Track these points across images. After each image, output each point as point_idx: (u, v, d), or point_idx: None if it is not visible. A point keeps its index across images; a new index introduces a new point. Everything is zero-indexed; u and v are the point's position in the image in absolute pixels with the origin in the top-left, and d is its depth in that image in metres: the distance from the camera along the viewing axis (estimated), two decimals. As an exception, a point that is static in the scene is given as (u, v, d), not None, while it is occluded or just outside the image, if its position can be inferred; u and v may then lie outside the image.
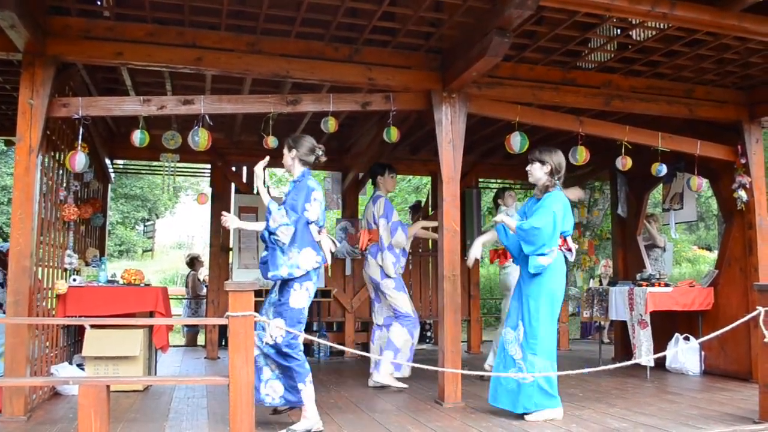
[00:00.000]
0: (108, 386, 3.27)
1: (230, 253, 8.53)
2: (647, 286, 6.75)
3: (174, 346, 9.22)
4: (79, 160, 5.06)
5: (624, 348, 7.58)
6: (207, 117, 5.20)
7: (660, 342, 6.77)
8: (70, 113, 4.89)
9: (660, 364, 6.95)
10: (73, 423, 4.14)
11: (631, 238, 8.14)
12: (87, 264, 6.49)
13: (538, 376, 4.53)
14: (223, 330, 8.71)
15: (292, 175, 4.53)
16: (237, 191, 8.60)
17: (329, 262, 4.46)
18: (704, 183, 6.59)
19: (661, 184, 8.01)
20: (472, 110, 5.55)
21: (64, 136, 5.75)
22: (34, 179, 4.67)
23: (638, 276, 7.18)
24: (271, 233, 4.21)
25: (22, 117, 4.67)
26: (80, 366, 5.85)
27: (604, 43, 5.57)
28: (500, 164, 9.28)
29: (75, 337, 6.38)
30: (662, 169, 6.31)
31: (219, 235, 8.37)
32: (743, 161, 6.41)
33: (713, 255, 17.45)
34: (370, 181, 6.53)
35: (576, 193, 6.18)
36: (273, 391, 4.32)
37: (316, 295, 7.86)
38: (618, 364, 4.87)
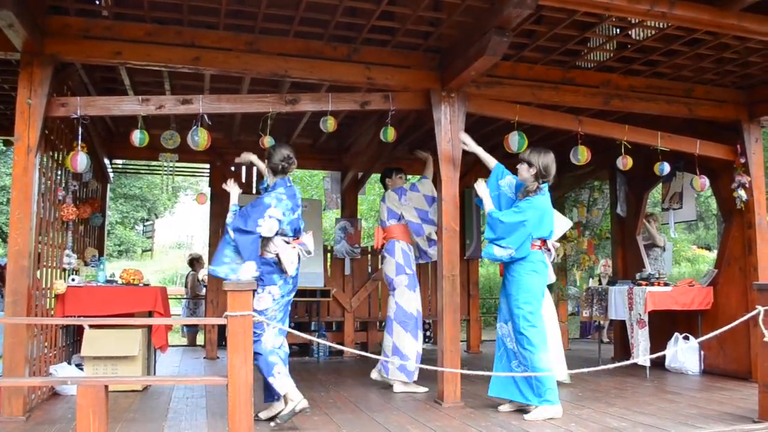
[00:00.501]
0: (106, 386, 3.26)
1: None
2: (647, 285, 6.75)
3: (173, 345, 9.21)
4: (80, 160, 5.05)
5: (623, 347, 7.57)
6: (206, 116, 5.20)
7: (659, 341, 6.77)
8: (69, 113, 4.88)
9: (659, 363, 6.96)
10: (72, 423, 4.13)
11: (631, 238, 8.14)
12: (86, 264, 6.49)
13: (530, 373, 4.66)
14: (222, 330, 8.69)
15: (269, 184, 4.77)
16: (236, 191, 8.59)
17: (290, 272, 4.54)
18: (706, 183, 6.58)
19: (661, 184, 8.01)
20: (471, 109, 5.54)
21: (63, 136, 5.74)
22: (32, 179, 4.67)
23: (638, 275, 7.18)
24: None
25: (21, 117, 4.66)
26: (79, 366, 5.84)
27: (604, 43, 5.56)
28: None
29: (74, 337, 6.37)
30: (665, 168, 6.29)
31: (218, 235, 8.35)
32: (743, 160, 6.41)
33: (713, 254, 17.45)
34: (383, 188, 6.56)
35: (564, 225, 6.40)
36: None
37: (314, 295, 7.98)
38: (617, 364, 4.88)
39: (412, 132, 7.34)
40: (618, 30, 5.35)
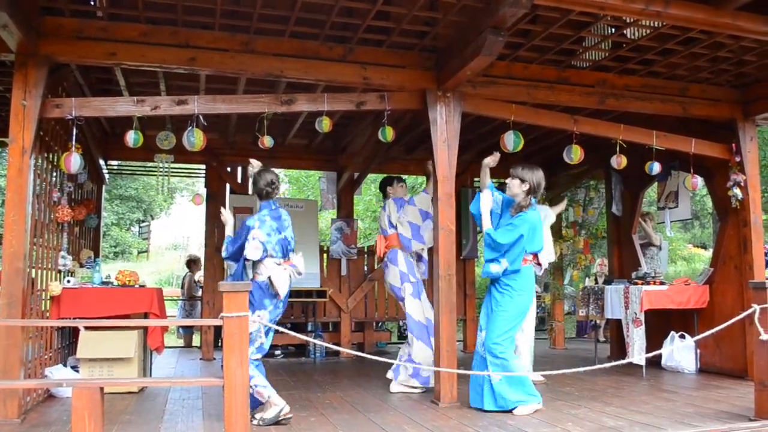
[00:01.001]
0: (102, 388, 3.25)
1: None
2: (643, 284, 6.76)
3: (169, 347, 9.19)
4: (74, 161, 5.03)
5: (620, 346, 7.58)
6: (201, 117, 5.18)
7: (656, 340, 6.78)
8: (63, 114, 4.87)
9: (656, 362, 6.97)
10: (68, 425, 4.12)
11: (627, 237, 8.15)
12: (81, 265, 6.47)
13: (504, 375, 4.77)
14: (218, 331, 8.68)
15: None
16: (232, 192, 8.59)
17: (282, 294, 4.60)
18: (699, 181, 6.59)
19: (656, 183, 8.02)
20: (467, 109, 5.54)
21: (58, 137, 5.73)
22: (27, 181, 4.65)
23: (634, 274, 7.19)
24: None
25: (15, 118, 4.65)
26: (75, 368, 5.82)
27: (599, 42, 5.57)
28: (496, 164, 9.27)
29: (69, 338, 6.35)
30: (654, 167, 6.29)
31: (214, 236, 8.35)
32: (738, 159, 6.42)
33: (708, 253, 17.49)
34: (382, 195, 6.56)
35: (560, 208, 6.81)
36: None
37: (311, 295, 7.97)
38: (614, 363, 4.90)
39: (408, 132, 7.33)
40: (613, 29, 5.36)
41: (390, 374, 5.92)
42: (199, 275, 10.26)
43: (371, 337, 9.01)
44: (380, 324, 9.74)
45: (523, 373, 4.98)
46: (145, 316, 5.76)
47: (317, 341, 5.08)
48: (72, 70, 5.54)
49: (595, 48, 5.68)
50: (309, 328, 8.71)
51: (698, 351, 6.84)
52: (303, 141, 8.64)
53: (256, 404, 4.52)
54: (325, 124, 5.57)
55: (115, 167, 9.60)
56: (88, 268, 6.38)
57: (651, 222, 8.30)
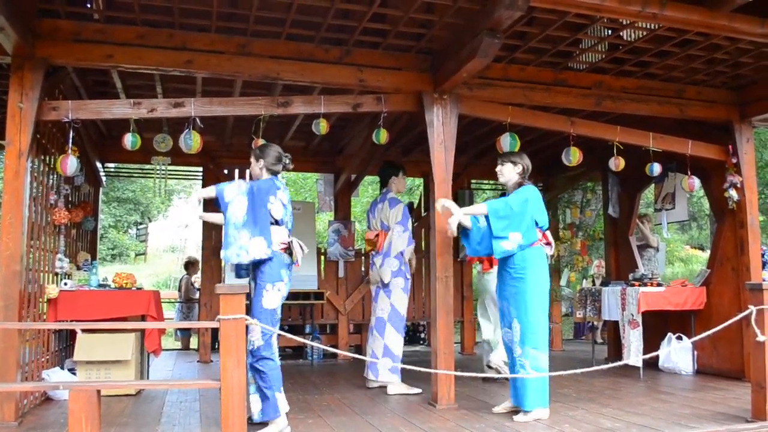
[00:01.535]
0: (98, 391, 3.25)
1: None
2: (640, 286, 6.76)
3: (166, 349, 9.19)
4: (70, 163, 5.03)
5: (617, 348, 7.59)
6: (198, 120, 5.18)
7: (653, 342, 6.79)
8: (60, 116, 4.86)
9: (653, 363, 6.97)
10: (65, 428, 4.10)
11: (624, 238, 8.16)
12: (78, 268, 6.46)
13: (536, 373, 4.59)
14: (216, 333, 8.67)
15: None
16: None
17: (299, 262, 4.43)
18: (696, 183, 6.60)
19: (653, 184, 8.03)
20: (464, 111, 5.55)
21: (55, 140, 5.72)
22: (23, 183, 4.65)
23: (631, 276, 7.20)
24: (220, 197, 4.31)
25: (12, 120, 4.64)
26: (72, 371, 5.81)
27: (595, 44, 5.58)
28: (492, 165, 9.23)
29: (66, 341, 6.34)
30: (655, 169, 6.32)
31: (211, 239, 8.34)
32: (734, 161, 6.43)
33: (705, 254, 17.51)
34: (379, 181, 6.49)
35: None
36: (252, 405, 4.30)
37: (308, 297, 7.97)
38: (611, 364, 4.89)
39: (405, 134, 7.34)
40: (609, 31, 5.36)
41: (370, 374, 5.96)
42: (196, 277, 10.26)
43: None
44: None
45: (545, 374, 4.70)
46: (143, 318, 5.76)
47: (314, 343, 5.09)
48: (69, 72, 5.53)
49: (591, 50, 5.69)
50: (306, 331, 8.71)
51: (695, 352, 6.85)
52: (300, 143, 8.64)
53: (269, 415, 4.25)
54: (322, 126, 5.57)
55: (112, 170, 9.59)
56: (85, 270, 6.37)
57: (648, 224, 8.32)
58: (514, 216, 4.69)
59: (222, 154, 8.42)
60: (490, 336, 6.39)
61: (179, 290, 11.04)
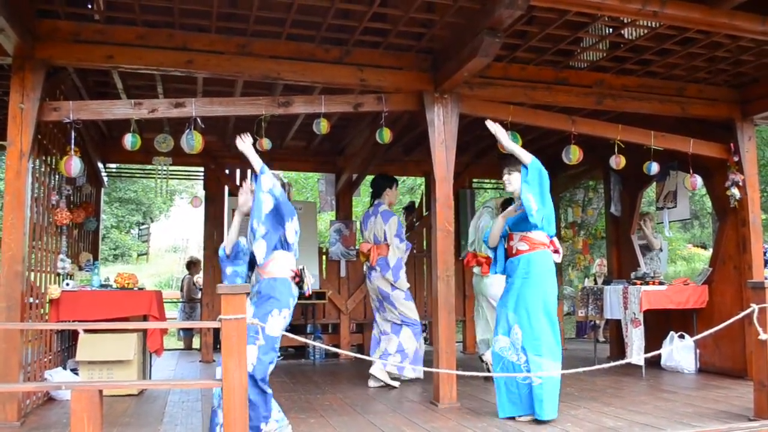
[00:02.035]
0: (101, 391, 3.25)
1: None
2: (642, 284, 6.76)
3: (168, 349, 9.19)
4: (74, 164, 5.04)
5: (619, 347, 7.58)
6: (199, 120, 5.19)
7: (655, 340, 6.78)
8: (61, 117, 4.87)
9: (655, 362, 6.97)
10: (67, 428, 4.11)
11: (625, 237, 8.15)
12: (80, 268, 6.47)
13: (546, 379, 4.44)
14: (218, 333, 8.66)
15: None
16: (230, 194, 8.57)
17: (309, 291, 4.14)
18: (699, 181, 6.59)
19: (655, 183, 8.02)
20: (464, 111, 5.54)
21: (56, 140, 5.73)
22: (25, 184, 4.65)
23: (633, 275, 7.19)
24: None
25: (13, 121, 4.65)
26: (74, 371, 5.82)
27: (596, 42, 5.57)
28: (494, 164, 9.27)
29: (69, 341, 6.35)
30: (652, 167, 6.31)
31: (213, 238, 8.35)
32: (736, 159, 6.42)
33: (708, 253, 17.47)
34: (371, 192, 6.60)
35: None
36: None
37: (310, 297, 7.94)
38: (613, 363, 4.89)
39: (406, 133, 7.34)
40: (610, 30, 5.36)
41: (372, 382, 6.09)
42: (198, 277, 10.26)
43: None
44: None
45: (551, 373, 4.51)
46: (145, 318, 5.76)
47: (316, 343, 5.10)
48: (69, 73, 5.54)
49: (592, 48, 5.69)
50: (308, 330, 8.70)
51: (697, 351, 6.84)
52: (301, 143, 8.64)
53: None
54: (323, 126, 5.57)
55: (114, 170, 9.60)
56: (87, 270, 6.38)
57: (651, 222, 8.30)
58: (543, 189, 4.63)
59: (224, 154, 8.42)
60: (488, 335, 6.45)
61: (181, 290, 11.05)
